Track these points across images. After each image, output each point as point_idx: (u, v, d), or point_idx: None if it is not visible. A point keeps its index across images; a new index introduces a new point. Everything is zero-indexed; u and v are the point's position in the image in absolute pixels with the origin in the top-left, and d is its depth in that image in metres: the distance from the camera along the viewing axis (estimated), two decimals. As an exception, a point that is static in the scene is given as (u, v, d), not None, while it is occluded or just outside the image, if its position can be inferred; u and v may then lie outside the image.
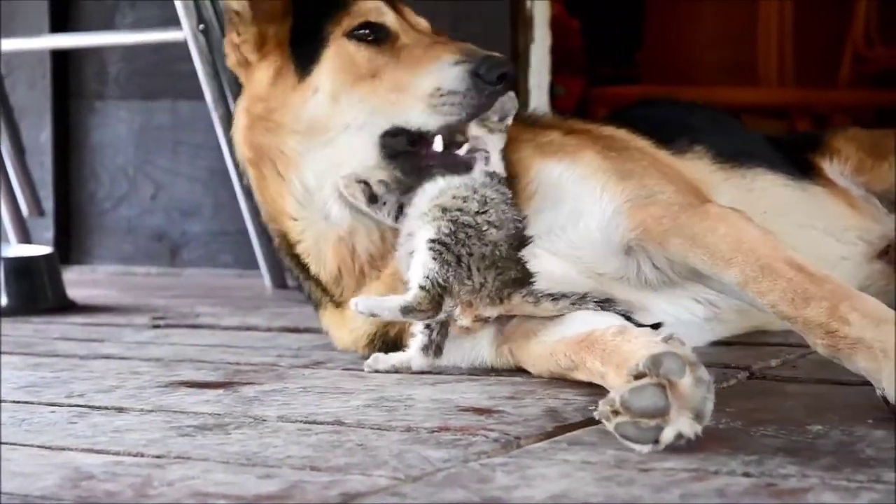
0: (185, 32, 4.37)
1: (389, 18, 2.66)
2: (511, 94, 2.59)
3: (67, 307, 4.02)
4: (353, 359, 2.73)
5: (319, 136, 2.63)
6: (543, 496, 1.62)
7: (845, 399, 2.12)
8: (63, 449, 1.96)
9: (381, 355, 2.57)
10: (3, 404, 2.33)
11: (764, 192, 3.02)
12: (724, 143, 3.05)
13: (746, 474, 1.70)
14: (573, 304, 2.40)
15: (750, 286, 2.34)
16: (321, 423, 2.11)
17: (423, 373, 2.51)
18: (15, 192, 4.79)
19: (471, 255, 2.38)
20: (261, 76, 2.70)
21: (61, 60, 5.47)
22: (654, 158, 2.86)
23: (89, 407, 2.32)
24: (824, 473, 1.69)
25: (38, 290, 3.99)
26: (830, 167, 3.24)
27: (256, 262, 4.59)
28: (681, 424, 1.82)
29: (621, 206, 2.61)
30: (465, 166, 2.52)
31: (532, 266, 2.47)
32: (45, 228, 5.37)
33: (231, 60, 2.77)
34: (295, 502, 1.62)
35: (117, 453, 1.92)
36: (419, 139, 2.56)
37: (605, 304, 2.41)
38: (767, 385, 2.42)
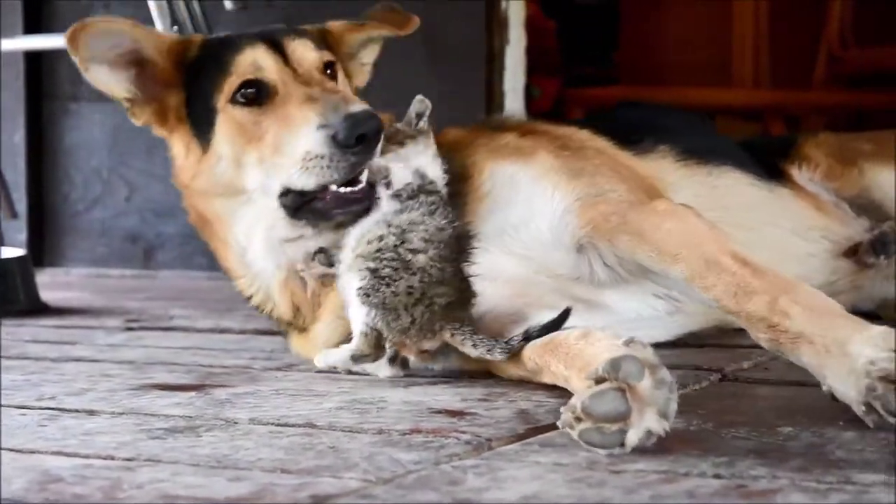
0: (159, 34, 4.37)
1: (268, 71, 2.61)
2: (419, 96, 2.58)
3: (40, 309, 4.02)
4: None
5: (238, 196, 2.64)
6: (514, 498, 1.62)
7: (816, 401, 2.12)
8: (33, 452, 1.96)
9: (330, 350, 2.57)
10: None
11: (729, 190, 3.03)
12: (691, 143, 3.05)
13: (717, 476, 1.70)
14: (500, 350, 2.38)
15: (695, 281, 2.34)
16: (293, 426, 2.11)
17: (410, 374, 2.53)
18: (-12, 194, 4.77)
19: (396, 293, 2.38)
20: (176, 150, 2.72)
21: (35, 62, 5.47)
22: (610, 158, 2.86)
23: (60, 410, 2.31)
24: (794, 475, 1.69)
25: (10, 293, 3.99)
26: (800, 173, 3.27)
27: (231, 265, 4.59)
28: (648, 422, 1.83)
29: (571, 205, 2.61)
30: (357, 202, 2.50)
31: (485, 266, 2.48)
32: (19, 230, 5.36)
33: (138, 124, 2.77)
34: None
35: (87, 456, 1.92)
36: (308, 193, 2.55)
37: (528, 334, 2.39)
38: (739, 387, 2.42)
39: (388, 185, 2.51)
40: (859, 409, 1.97)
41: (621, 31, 7.07)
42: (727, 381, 2.48)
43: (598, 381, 1.87)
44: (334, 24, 2.86)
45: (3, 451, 1.96)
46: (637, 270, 2.54)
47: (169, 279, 5.19)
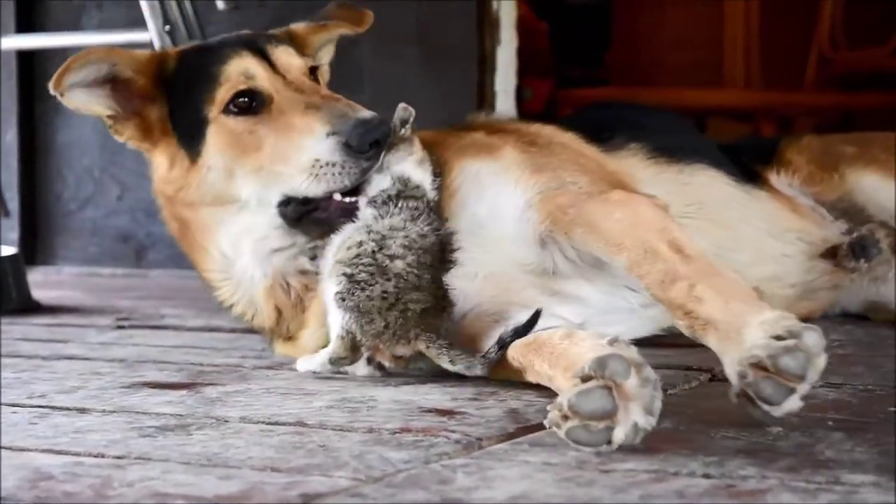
0: (150, 33, 4.35)
1: (260, 80, 2.61)
2: (402, 104, 2.58)
3: (32, 308, 4.02)
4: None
5: (227, 206, 2.63)
6: (504, 497, 1.62)
7: (805, 401, 2.12)
8: (23, 450, 1.96)
9: (312, 356, 2.58)
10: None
11: (702, 187, 3.04)
12: (664, 142, 3.06)
13: (706, 475, 1.70)
14: (480, 366, 2.37)
15: (634, 270, 2.36)
16: (283, 424, 2.11)
17: (387, 375, 2.52)
18: (-20, 194, 4.78)
19: (370, 298, 2.38)
20: (159, 162, 2.70)
21: (27, 61, 5.46)
22: (576, 152, 2.87)
23: (51, 408, 2.31)
24: (783, 475, 1.70)
25: (2, 291, 3.99)
26: (778, 178, 3.27)
27: (222, 264, 4.59)
28: (635, 418, 1.84)
29: (532, 199, 2.62)
30: (347, 212, 2.51)
31: (462, 263, 2.49)
32: (11, 229, 5.36)
33: (121, 141, 2.76)
34: (254, 503, 1.62)
35: (78, 454, 1.92)
36: (311, 202, 2.55)
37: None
38: (728, 387, 2.40)
39: (363, 191, 2.52)
40: (734, 401, 1.99)
41: (612, 33, 7.08)
42: (717, 381, 2.47)
43: (585, 379, 1.88)
44: (298, 27, 2.87)
45: (-7, 449, 1.97)
46: (595, 262, 2.55)
47: (160, 278, 5.18)
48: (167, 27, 4.33)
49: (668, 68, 6.61)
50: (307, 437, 2.00)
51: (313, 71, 2.70)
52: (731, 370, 2.02)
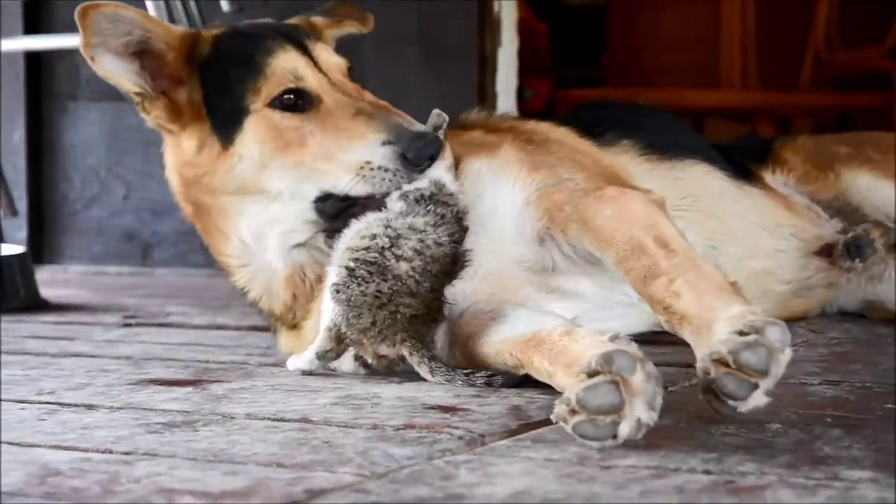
0: (157, 34, 4.38)
1: (310, 80, 2.61)
2: (436, 110, 2.59)
3: (39, 306, 4.03)
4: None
5: (252, 196, 2.63)
6: (505, 493, 1.63)
7: (804, 398, 2.15)
8: (32, 445, 1.97)
9: (298, 355, 2.58)
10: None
11: (695, 181, 3.05)
12: (656, 139, 3.07)
13: (706, 472, 1.71)
14: (461, 380, 2.38)
15: (621, 265, 2.38)
16: (288, 421, 2.12)
17: (371, 372, 2.53)
18: (-12, 192, 4.79)
19: (363, 294, 2.39)
20: (186, 145, 2.67)
21: (34, 62, 5.48)
22: (572, 148, 2.88)
23: (59, 404, 2.32)
24: (782, 471, 1.71)
25: (10, 289, 4.00)
26: (774, 177, 3.28)
27: (227, 263, 4.60)
28: (639, 412, 1.86)
29: (530, 196, 2.63)
30: (378, 206, 2.51)
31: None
32: (18, 228, 5.37)
33: (151, 125, 2.73)
34: (259, 498, 1.63)
35: (85, 450, 1.93)
36: (350, 199, 2.55)
37: (491, 377, 2.39)
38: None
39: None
40: (700, 397, 2.00)
41: (610, 34, 7.08)
42: (717, 379, 2.50)
43: (592, 374, 1.89)
44: (318, 20, 2.86)
45: (3, 445, 1.98)
46: (592, 258, 2.56)
47: (165, 276, 5.19)
48: (173, 27, 4.35)
49: (666, 69, 6.61)
50: (312, 434, 2.01)
51: (349, 70, 2.71)
52: (699, 366, 2.03)
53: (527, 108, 5.05)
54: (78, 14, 2.60)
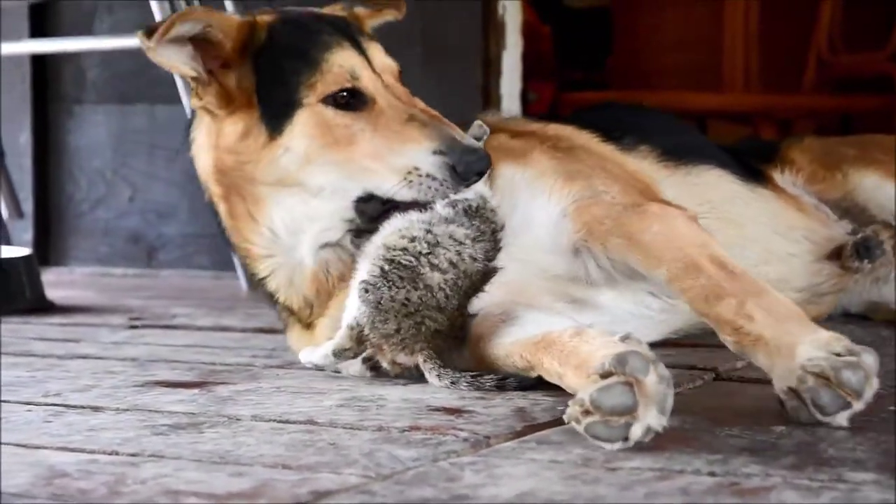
0: (162, 37, 4.38)
1: (365, 80, 2.61)
2: (478, 122, 2.59)
3: (45, 307, 4.04)
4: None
5: (290, 188, 2.61)
6: (510, 494, 1.64)
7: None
8: (38, 447, 1.98)
9: (315, 348, 2.58)
10: (-21, 404, 2.35)
11: (710, 187, 3.05)
12: (670, 143, 3.07)
13: (711, 473, 1.72)
14: (466, 383, 2.37)
15: (674, 283, 2.38)
16: (294, 423, 2.13)
17: (378, 376, 2.53)
18: (-6, 195, 4.80)
19: (392, 300, 2.37)
20: (230, 130, 2.65)
21: (40, 65, 5.49)
22: (601, 157, 2.87)
23: (65, 406, 2.33)
24: (787, 473, 1.71)
25: (16, 291, 4.00)
26: (782, 177, 3.29)
27: (232, 264, 4.61)
28: (649, 419, 1.86)
29: (567, 208, 2.63)
30: (422, 206, 2.51)
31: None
32: (24, 230, 5.39)
33: (194, 106, 2.72)
34: (265, 500, 1.64)
35: (92, 451, 1.94)
36: (392, 202, 2.55)
37: (503, 381, 2.38)
38: (733, 386, 2.45)
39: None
40: (783, 394, 2.03)
41: (614, 37, 7.09)
42: (721, 381, 2.50)
43: (605, 375, 1.90)
44: (360, 11, 2.85)
45: (9, 447, 1.98)
46: (629, 272, 2.56)
47: (170, 278, 5.20)
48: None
49: (668, 71, 6.62)
50: (317, 436, 2.02)
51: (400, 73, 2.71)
52: (781, 382, 2.05)
53: (531, 112, 5.06)
54: (147, 40, 2.59)
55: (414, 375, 2.47)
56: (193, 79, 2.65)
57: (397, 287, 2.38)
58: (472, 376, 2.37)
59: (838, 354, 2.01)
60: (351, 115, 2.58)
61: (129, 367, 2.81)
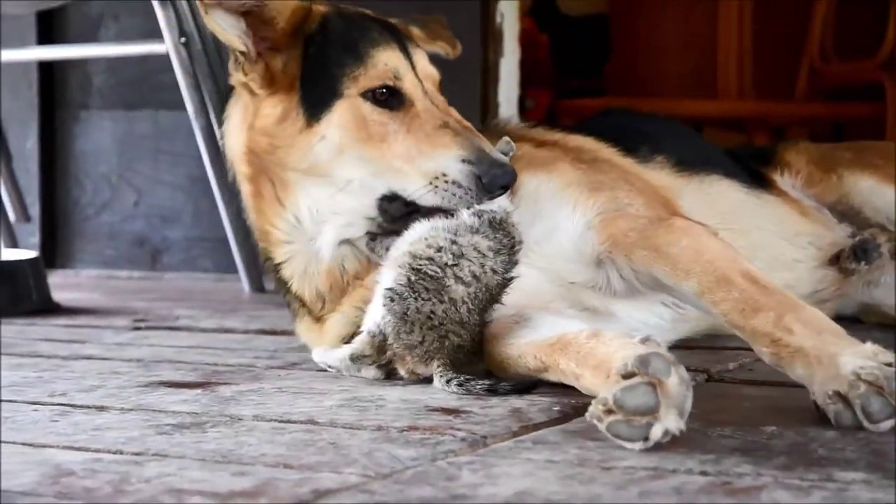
0: (166, 45, 4.41)
1: (407, 82, 2.64)
2: (506, 138, 2.61)
3: (51, 309, 4.05)
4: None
5: (321, 177, 2.63)
6: (507, 494, 1.65)
7: (799, 401, 2.16)
8: (44, 446, 1.99)
9: (331, 349, 2.59)
10: (-14, 404, 2.37)
11: (720, 197, 3.07)
12: (684, 152, 3.09)
13: (703, 473, 1.74)
14: (481, 388, 2.36)
15: (705, 296, 2.39)
16: (295, 423, 2.14)
17: (390, 379, 2.54)
18: (2, 198, 4.83)
19: (418, 311, 2.38)
20: (268, 112, 2.67)
21: (47, 71, 5.51)
22: (623, 169, 2.90)
23: (71, 406, 2.34)
24: (778, 472, 1.73)
25: (23, 293, 4.01)
26: (782, 179, 3.31)
27: (235, 267, 4.64)
28: (668, 422, 1.88)
29: (592, 220, 2.65)
30: (446, 213, 2.52)
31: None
32: (31, 233, 5.41)
33: (236, 82, 2.73)
34: (267, 498, 1.65)
35: (97, 451, 1.95)
36: (415, 205, 2.57)
37: (495, 385, 2.39)
38: (725, 387, 2.47)
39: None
40: (825, 401, 2.03)
41: (612, 44, 7.10)
42: (713, 382, 2.53)
43: (627, 376, 1.92)
44: (415, 30, 2.88)
45: (16, 446, 2.00)
46: (651, 283, 2.57)
47: (174, 281, 5.21)
48: (183, 39, 4.39)
49: (663, 79, 6.63)
50: (318, 435, 2.03)
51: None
52: (824, 388, 2.05)
53: (528, 118, 5.07)
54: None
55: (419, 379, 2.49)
56: (242, 53, 2.67)
57: (423, 299, 2.39)
58: (465, 379, 2.38)
59: (889, 365, 2.02)
60: (388, 114, 2.61)
61: (133, 367, 2.82)
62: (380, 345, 2.45)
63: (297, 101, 2.64)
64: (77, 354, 3.06)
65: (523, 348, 2.43)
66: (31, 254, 4.28)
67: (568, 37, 7.56)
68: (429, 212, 2.53)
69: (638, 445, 1.87)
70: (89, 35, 5.40)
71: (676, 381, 1.91)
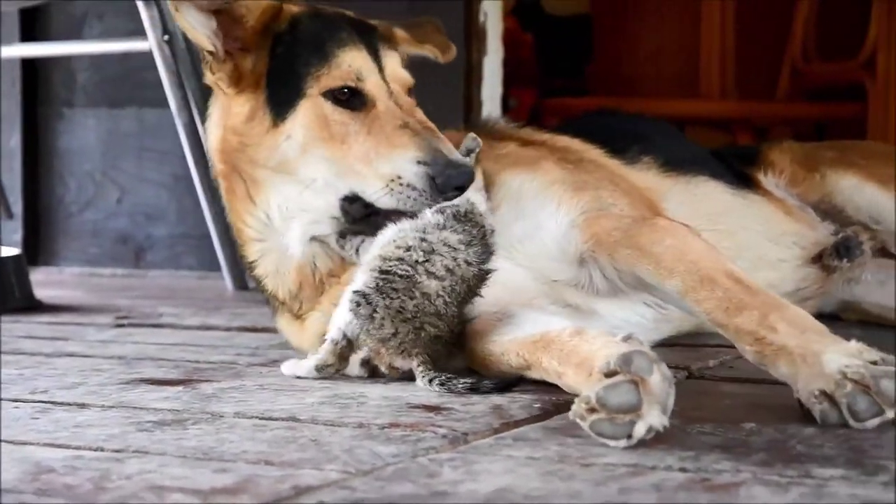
0: (150, 43, 4.42)
1: (370, 83, 2.64)
2: (472, 134, 2.62)
3: (34, 307, 4.05)
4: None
5: (289, 175, 2.64)
6: (488, 490, 1.66)
7: (778, 398, 2.17)
8: (25, 443, 1.99)
9: (298, 361, 2.59)
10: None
11: (706, 197, 3.08)
12: (671, 153, 3.11)
13: (682, 469, 1.74)
14: (463, 386, 2.36)
15: (689, 295, 2.39)
16: (276, 420, 2.14)
17: (375, 377, 2.54)
18: (-15, 196, 4.83)
19: (388, 308, 2.39)
20: (237, 111, 2.68)
21: (31, 69, 5.51)
22: (608, 170, 2.91)
23: (52, 403, 2.34)
24: (757, 469, 1.74)
25: (5, 290, 4.01)
26: (766, 179, 3.32)
27: (218, 265, 4.65)
28: (651, 418, 1.88)
29: (576, 219, 2.66)
30: (406, 215, 2.53)
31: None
32: (14, 231, 5.40)
33: (209, 81, 2.74)
34: (248, 495, 1.65)
35: (78, 448, 1.95)
36: (374, 207, 2.58)
37: (477, 384, 2.38)
38: (705, 384, 2.48)
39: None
40: (810, 399, 2.03)
41: (594, 45, 7.11)
42: (694, 379, 2.53)
43: (610, 374, 1.92)
44: (399, 32, 2.88)
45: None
46: (634, 283, 2.58)
47: (158, 278, 5.21)
48: (166, 37, 4.39)
49: (647, 79, 6.65)
50: (299, 432, 2.03)
51: (411, 89, 2.73)
52: (809, 386, 2.06)
53: (511, 118, 5.09)
54: None
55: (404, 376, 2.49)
56: (209, 52, 2.67)
57: (391, 297, 2.39)
58: (447, 377, 2.38)
59: (874, 363, 2.03)
60: (348, 114, 2.61)
61: (115, 364, 2.82)
62: (342, 352, 2.47)
63: (264, 101, 2.66)
64: (59, 352, 3.06)
65: (506, 345, 2.43)
66: (13, 251, 4.28)
67: (553, 36, 7.57)
68: (388, 214, 2.54)
69: (621, 443, 1.88)
70: (73, 33, 5.40)
71: (659, 379, 1.91)
